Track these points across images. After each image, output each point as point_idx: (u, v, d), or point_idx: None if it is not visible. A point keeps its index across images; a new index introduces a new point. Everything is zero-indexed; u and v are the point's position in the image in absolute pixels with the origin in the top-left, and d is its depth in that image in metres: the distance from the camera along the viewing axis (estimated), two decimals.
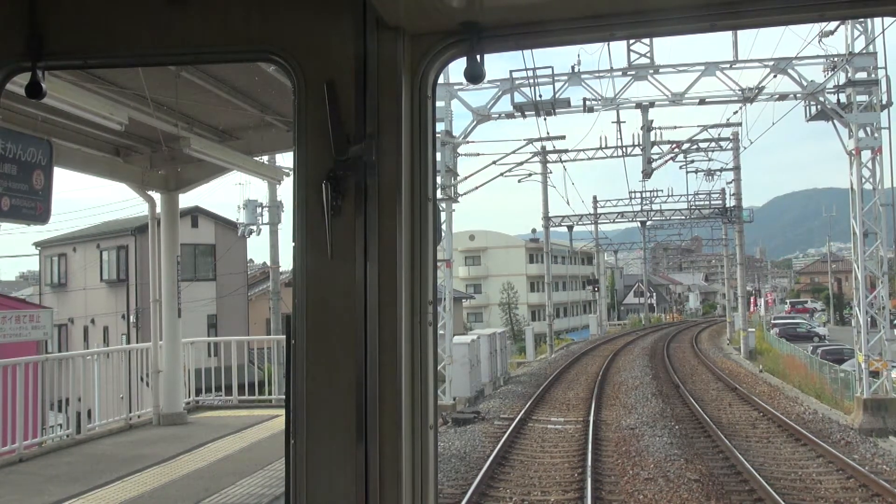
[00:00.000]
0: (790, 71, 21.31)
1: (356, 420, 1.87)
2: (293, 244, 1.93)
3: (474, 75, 1.94)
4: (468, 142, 23.58)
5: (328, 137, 1.86)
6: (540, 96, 20.19)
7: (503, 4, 1.91)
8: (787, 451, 15.73)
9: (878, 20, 18.97)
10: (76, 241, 37.55)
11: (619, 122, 27.83)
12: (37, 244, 40.99)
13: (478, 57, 1.93)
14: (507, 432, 17.41)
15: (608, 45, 20.79)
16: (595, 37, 2.09)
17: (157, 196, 11.47)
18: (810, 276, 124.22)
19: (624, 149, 30.75)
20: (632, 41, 20.78)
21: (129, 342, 32.80)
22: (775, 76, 20.65)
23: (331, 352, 1.89)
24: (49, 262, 39.70)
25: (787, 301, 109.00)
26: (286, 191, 54.07)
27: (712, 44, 22.93)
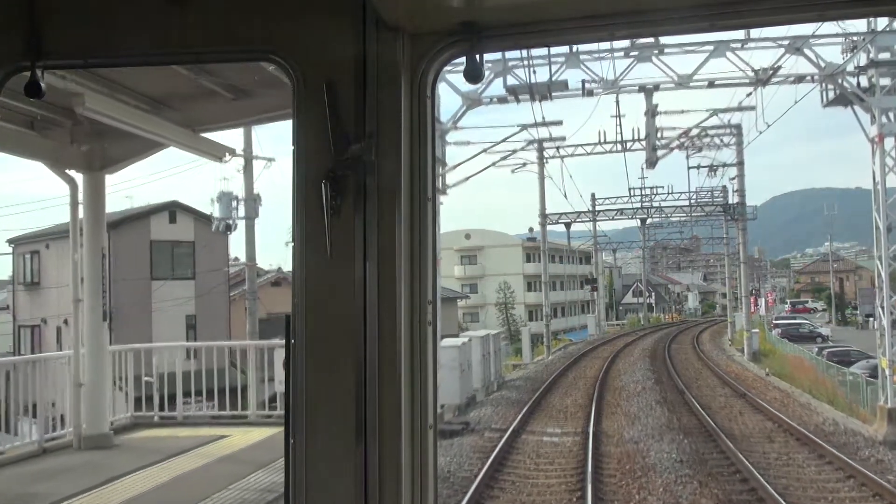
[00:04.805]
0: (806, 51, 19.61)
1: (356, 420, 1.87)
2: (292, 244, 1.94)
3: (474, 75, 1.95)
4: (457, 128, 21.85)
5: (328, 137, 1.86)
6: (534, 72, 18.44)
7: (503, 4, 1.93)
8: (812, 470, 14.01)
9: None
10: (49, 237, 35.69)
11: (619, 115, 26.30)
12: (10, 241, 39.24)
13: (477, 56, 1.94)
14: (499, 446, 15.74)
15: None
16: (595, 36, 2.21)
17: (79, 177, 9.70)
18: (811, 275, 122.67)
19: (624, 144, 29.29)
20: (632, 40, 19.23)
21: None
22: (796, 50, 18.91)
23: (330, 351, 1.89)
24: (22, 259, 37.93)
25: (788, 301, 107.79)
26: (264, 183, 52.47)
27: None
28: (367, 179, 1.86)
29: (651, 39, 19.71)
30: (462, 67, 1.94)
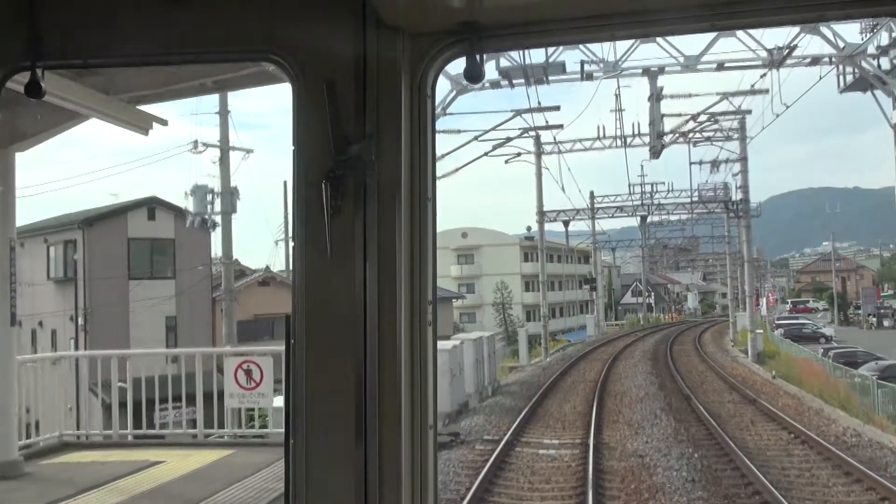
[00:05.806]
0: (823, 29, 18.13)
1: (356, 420, 1.87)
2: (292, 244, 1.94)
3: (474, 75, 1.94)
4: (447, 114, 20.37)
5: (328, 137, 1.87)
6: (527, 46, 16.96)
7: (503, 4, 1.93)
8: (840, 491, 12.52)
9: None
10: (22, 235, 34.07)
11: (619, 109, 24.84)
12: None
13: (477, 57, 1.94)
14: (490, 461, 14.26)
15: None
16: (595, 37, 2.14)
17: None
18: (811, 275, 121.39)
19: (624, 139, 27.93)
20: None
21: (76, 347, 29.59)
22: (812, 28, 17.41)
23: (330, 351, 1.89)
24: None
25: (788, 301, 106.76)
26: (241, 175, 51.07)
27: None
28: (367, 179, 1.86)
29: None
30: (467, 76, 1.95)
